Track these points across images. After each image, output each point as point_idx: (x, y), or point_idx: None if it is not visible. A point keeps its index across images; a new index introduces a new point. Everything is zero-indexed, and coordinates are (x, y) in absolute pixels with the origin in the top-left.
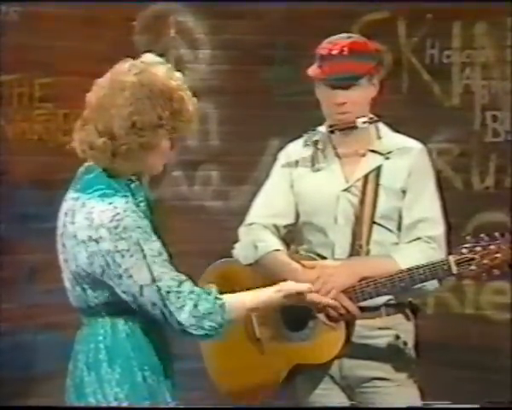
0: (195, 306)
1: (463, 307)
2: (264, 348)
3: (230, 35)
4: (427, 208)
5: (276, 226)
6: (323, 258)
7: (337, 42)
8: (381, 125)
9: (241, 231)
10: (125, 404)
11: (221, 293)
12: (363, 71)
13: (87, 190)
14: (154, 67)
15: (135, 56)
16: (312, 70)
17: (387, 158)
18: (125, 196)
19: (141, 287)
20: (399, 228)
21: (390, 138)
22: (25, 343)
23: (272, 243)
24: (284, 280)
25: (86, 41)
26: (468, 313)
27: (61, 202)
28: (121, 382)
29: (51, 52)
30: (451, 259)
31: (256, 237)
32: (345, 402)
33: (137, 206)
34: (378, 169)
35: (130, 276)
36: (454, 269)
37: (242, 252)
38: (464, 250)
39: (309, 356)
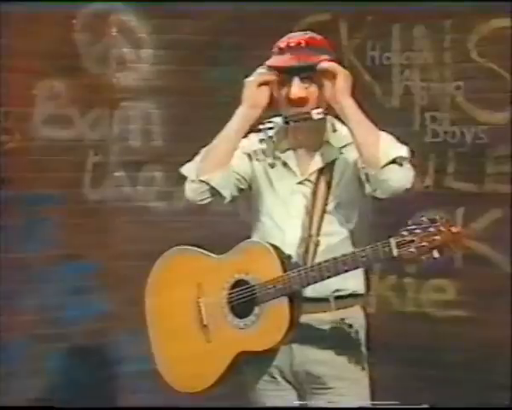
0: None
1: (404, 306)
2: (211, 336)
3: (174, 35)
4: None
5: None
6: (274, 246)
7: (295, 36)
8: (336, 120)
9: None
10: None
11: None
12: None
13: None
14: None
15: (75, 54)
16: (270, 61)
17: (342, 153)
18: None
19: None
20: (352, 219)
21: (344, 132)
22: None
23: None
24: None
25: (27, 38)
26: (409, 311)
27: None
28: None
29: None
30: (392, 241)
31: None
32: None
33: None
34: (333, 162)
35: None
36: (395, 251)
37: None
38: (405, 233)
39: (252, 343)
